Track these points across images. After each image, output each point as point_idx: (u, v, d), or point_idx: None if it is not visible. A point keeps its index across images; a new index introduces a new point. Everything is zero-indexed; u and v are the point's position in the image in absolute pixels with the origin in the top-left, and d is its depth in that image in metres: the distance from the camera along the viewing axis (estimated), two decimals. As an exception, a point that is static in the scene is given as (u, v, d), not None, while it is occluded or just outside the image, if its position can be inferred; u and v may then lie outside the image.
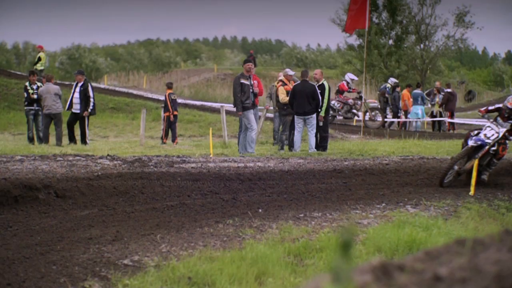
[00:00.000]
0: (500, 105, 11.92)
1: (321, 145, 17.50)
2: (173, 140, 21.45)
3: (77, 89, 19.65)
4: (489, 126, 11.54)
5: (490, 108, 12.04)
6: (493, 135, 11.38)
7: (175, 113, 21.73)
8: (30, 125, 20.06)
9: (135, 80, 49.75)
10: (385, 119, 28.30)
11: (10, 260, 6.78)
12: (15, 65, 65.15)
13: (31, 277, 6.23)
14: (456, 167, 11.34)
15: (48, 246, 7.42)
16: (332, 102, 25.76)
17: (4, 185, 10.12)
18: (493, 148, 11.40)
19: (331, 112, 24.69)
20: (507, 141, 11.65)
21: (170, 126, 21.64)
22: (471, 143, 11.34)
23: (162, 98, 24.63)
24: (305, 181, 12.25)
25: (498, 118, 11.75)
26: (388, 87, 29.04)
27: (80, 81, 19.76)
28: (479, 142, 11.31)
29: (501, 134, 11.37)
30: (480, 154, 11.34)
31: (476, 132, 11.61)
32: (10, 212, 9.55)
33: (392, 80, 29.71)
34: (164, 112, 21.87)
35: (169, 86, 22.46)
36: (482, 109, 12.14)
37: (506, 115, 11.75)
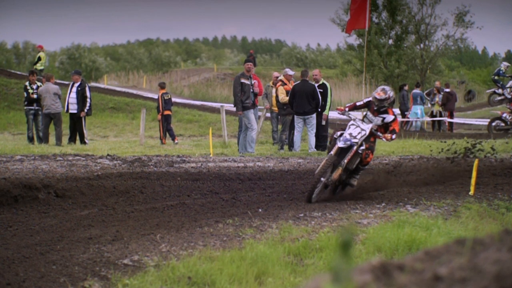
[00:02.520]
0: (370, 99, 10.89)
1: (320, 144, 17.51)
2: (173, 139, 21.42)
3: (74, 89, 19.65)
4: (353, 125, 10.52)
5: (359, 103, 11.03)
6: (359, 133, 10.42)
7: (166, 112, 21.57)
8: (30, 125, 20.05)
9: (135, 80, 49.72)
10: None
11: (10, 259, 6.78)
12: (15, 65, 65.10)
13: (31, 277, 6.23)
14: (323, 179, 10.32)
15: (48, 246, 7.42)
16: (503, 114, 25.43)
17: (4, 185, 10.11)
18: (362, 148, 10.41)
19: (501, 124, 24.16)
20: (373, 146, 10.67)
21: (167, 127, 21.58)
22: (340, 144, 10.34)
23: (162, 98, 24.55)
24: (305, 181, 12.25)
25: (369, 113, 10.76)
26: (501, 70, 29.21)
27: (77, 81, 19.76)
28: (348, 143, 10.33)
29: (368, 131, 10.40)
30: (347, 158, 10.33)
31: (339, 133, 10.61)
32: (10, 212, 9.55)
33: (505, 64, 29.75)
34: (158, 113, 21.84)
35: (162, 86, 22.35)
36: (348, 105, 11.08)
37: (375, 108, 10.72)
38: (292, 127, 17.72)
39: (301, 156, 15.71)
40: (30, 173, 11.53)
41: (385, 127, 10.64)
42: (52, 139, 19.51)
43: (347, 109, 10.80)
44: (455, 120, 29.31)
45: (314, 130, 17.23)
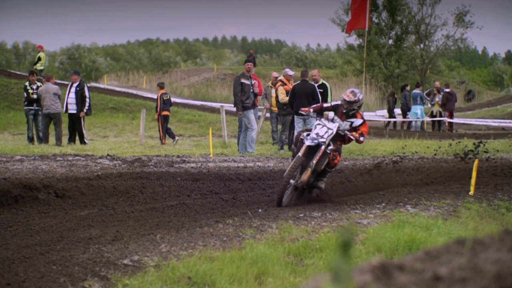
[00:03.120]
0: (338, 102, 10.60)
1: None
2: (173, 138, 21.41)
3: (72, 90, 19.65)
4: (319, 124, 10.24)
5: (326, 105, 10.80)
6: (326, 132, 10.14)
7: (164, 113, 21.54)
8: (30, 125, 20.05)
9: (134, 80, 49.74)
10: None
11: (10, 260, 6.78)
12: (15, 65, 65.11)
13: (31, 277, 6.23)
14: (292, 181, 10.01)
15: (48, 246, 7.42)
16: None
17: (4, 185, 10.12)
18: (331, 147, 10.13)
19: None
20: (340, 149, 10.44)
21: (162, 126, 21.55)
22: (307, 142, 10.02)
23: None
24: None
25: (336, 118, 10.47)
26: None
27: (75, 81, 19.77)
28: (316, 141, 10.02)
29: (335, 130, 10.12)
30: (316, 159, 10.05)
31: (305, 134, 10.28)
32: (10, 212, 9.55)
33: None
34: (156, 113, 21.84)
35: (162, 86, 22.30)
36: (313, 106, 10.78)
37: (344, 111, 10.44)
38: (292, 127, 17.73)
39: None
40: (30, 173, 11.53)
41: (353, 131, 10.41)
42: (52, 139, 19.51)
43: (311, 110, 10.56)
44: (455, 120, 29.32)
45: (314, 130, 17.24)
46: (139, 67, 61.30)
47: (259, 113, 19.67)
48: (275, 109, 18.71)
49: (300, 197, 10.53)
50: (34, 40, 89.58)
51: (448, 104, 28.12)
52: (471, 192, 10.72)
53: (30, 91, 19.87)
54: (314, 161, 10.03)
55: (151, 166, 13.36)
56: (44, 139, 19.46)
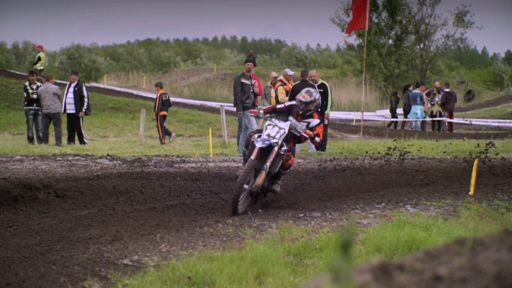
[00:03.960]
0: (292, 102, 10.20)
1: (321, 143, 17.51)
2: (169, 135, 21.40)
3: (71, 90, 19.68)
4: (270, 125, 9.72)
5: (279, 107, 10.30)
6: (277, 132, 9.63)
7: (162, 113, 21.53)
8: (29, 125, 20.05)
9: (134, 80, 49.76)
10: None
11: (9, 260, 6.78)
12: (15, 65, 65.13)
13: (30, 277, 6.23)
14: (246, 186, 9.47)
15: (48, 246, 7.43)
16: None
17: (4, 185, 10.12)
18: (284, 148, 9.68)
19: None
20: (294, 149, 10.09)
21: (161, 126, 21.54)
22: (258, 144, 9.52)
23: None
24: (305, 181, 12.25)
25: (291, 118, 10.03)
26: None
27: (74, 81, 19.79)
28: (267, 142, 9.52)
29: (287, 129, 9.65)
30: (269, 161, 9.57)
31: (256, 135, 9.73)
32: (10, 212, 9.56)
33: None
34: (154, 113, 21.81)
35: (161, 86, 22.29)
36: (264, 108, 10.29)
37: (300, 112, 10.02)
38: (292, 127, 17.73)
39: (301, 156, 15.71)
40: (30, 173, 11.53)
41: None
42: (52, 139, 19.52)
43: (261, 111, 10.09)
44: (454, 120, 29.32)
45: (314, 130, 17.24)
46: (139, 67, 61.32)
47: (259, 113, 19.63)
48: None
49: (255, 202, 9.99)
50: (34, 40, 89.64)
51: (448, 104, 28.12)
52: (471, 192, 10.72)
53: (30, 91, 19.87)
54: (268, 164, 9.56)
55: (151, 166, 13.36)
56: (44, 139, 19.46)
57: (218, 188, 11.66)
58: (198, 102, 33.95)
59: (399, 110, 30.32)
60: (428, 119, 28.89)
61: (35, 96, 19.75)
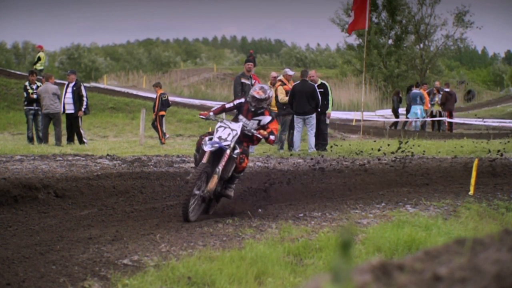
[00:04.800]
0: (241, 100, 9.76)
1: (322, 143, 17.54)
2: (163, 136, 21.40)
3: (69, 90, 19.70)
4: (221, 126, 9.24)
5: (228, 105, 9.77)
6: (229, 134, 9.17)
7: (161, 113, 21.52)
8: (29, 125, 20.05)
9: (134, 80, 49.76)
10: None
11: (9, 260, 6.78)
12: (15, 65, 65.12)
13: (30, 277, 6.23)
14: (197, 192, 8.92)
15: (48, 246, 7.43)
16: None
17: (4, 185, 10.12)
18: (237, 151, 9.22)
19: None
20: (247, 150, 9.61)
21: (160, 126, 21.52)
22: (207, 148, 9.03)
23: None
24: (305, 181, 12.25)
25: (241, 117, 9.59)
26: None
27: (72, 81, 19.82)
28: (216, 145, 9.03)
29: (239, 131, 9.18)
30: (222, 164, 9.09)
31: (208, 138, 9.24)
32: (9, 212, 9.56)
33: None
34: (153, 113, 21.77)
35: (160, 86, 22.28)
36: (214, 108, 9.82)
37: (252, 109, 9.54)
38: (292, 127, 17.74)
39: (301, 156, 15.71)
40: (30, 173, 11.53)
41: (261, 130, 9.56)
42: (51, 139, 19.52)
43: (211, 113, 9.54)
44: (454, 120, 29.31)
45: (314, 130, 17.26)
46: (139, 67, 61.31)
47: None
48: (274, 108, 18.72)
49: (207, 208, 9.57)
50: (34, 40, 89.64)
51: (447, 104, 28.11)
52: (471, 192, 10.72)
53: (30, 91, 19.87)
54: (220, 167, 9.07)
55: (151, 166, 13.36)
56: (43, 139, 19.45)
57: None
58: (198, 102, 33.96)
59: (402, 110, 30.30)
60: (428, 119, 28.88)
61: (35, 96, 19.75)
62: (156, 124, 21.59)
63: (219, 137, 9.14)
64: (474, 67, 72.75)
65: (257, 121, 9.57)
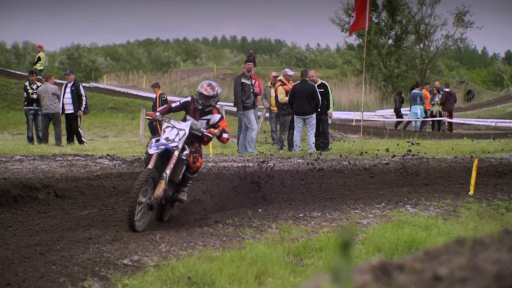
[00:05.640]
0: (188, 99, 9.27)
1: (322, 142, 17.55)
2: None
3: (68, 90, 19.74)
4: (168, 127, 8.73)
5: (174, 105, 9.25)
6: (177, 135, 8.66)
7: None
8: (29, 125, 20.06)
9: (134, 80, 49.76)
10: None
11: (9, 260, 6.79)
12: (15, 65, 65.13)
13: (30, 277, 6.23)
14: (144, 199, 8.30)
15: (48, 246, 7.43)
16: None
17: (4, 185, 10.12)
18: (186, 152, 8.70)
19: None
20: (200, 149, 9.11)
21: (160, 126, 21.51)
22: (152, 151, 8.48)
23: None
24: (305, 181, 12.25)
25: (189, 117, 9.08)
26: None
27: (71, 81, 19.86)
28: (162, 147, 8.48)
29: (187, 130, 8.68)
30: (169, 168, 8.51)
31: (154, 140, 8.74)
32: (9, 212, 9.56)
33: None
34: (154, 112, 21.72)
35: (159, 86, 22.30)
36: (160, 109, 9.32)
37: (200, 107, 9.03)
38: (291, 127, 17.75)
39: (301, 156, 15.71)
40: (30, 173, 11.53)
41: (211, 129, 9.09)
42: (51, 139, 19.52)
43: (158, 113, 9.07)
44: (454, 120, 29.31)
45: (314, 130, 17.27)
46: (138, 67, 61.31)
47: (259, 113, 19.69)
48: (274, 108, 18.73)
49: (160, 215, 9.09)
50: (34, 40, 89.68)
51: (447, 104, 28.10)
52: (471, 192, 10.72)
53: (30, 91, 19.88)
54: (168, 171, 8.48)
55: (151, 166, 13.35)
56: (43, 139, 19.46)
57: (218, 188, 11.65)
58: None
59: (404, 110, 30.29)
60: (428, 119, 28.88)
61: (35, 96, 19.76)
62: (156, 124, 21.58)
63: (166, 138, 8.61)
64: (474, 67, 72.76)
65: (205, 121, 9.06)
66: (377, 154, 15.87)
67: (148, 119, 9.00)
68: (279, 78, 18.63)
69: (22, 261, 6.75)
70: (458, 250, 2.40)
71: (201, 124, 9.00)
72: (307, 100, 17.02)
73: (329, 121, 18.15)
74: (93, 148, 17.87)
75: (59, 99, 19.51)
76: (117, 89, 38.75)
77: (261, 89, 17.81)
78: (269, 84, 19.42)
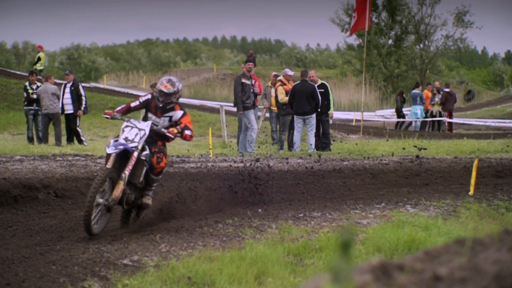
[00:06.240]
0: (148, 97, 8.91)
1: (323, 142, 17.55)
2: None
3: (67, 90, 19.77)
4: (127, 126, 8.38)
5: (134, 104, 8.83)
6: (137, 134, 8.31)
7: None
8: (29, 125, 20.06)
9: (134, 80, 49.76)
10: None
11: (9, 260, 6.79)
12: (15, 65, 65.14)
13: (30, 277, 6.23)
14: (101, 200, 7.99)
15: (48, 246, 7.43)
16: None
17: (4, 185, 10.12)
18: (146, 153, 8.36)
19: None
20: (164, 149, 8.73)
21: None
22: (109, 150, 8.14)
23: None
24: (305, 181, 12.25)
25: (150, 115, 8.71)
26: None
27: (70, 81, 19.89)
28: (121, 147, 8.14)
29: (147, 130, 8.35)
30: (128, 169, 8.16)
31: (113, 140, 8.37)
32: (10, 212, 9.56)
33: None
34: None
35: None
36: (119, 108, 8.87)
37: (160, 105, 8.69)
38: (291, 127, 17.75)
39: (300, 156, 15.71)
40: (30, 173, 11.53)
41: (174, 127, 8.70)
42: (51, 139, 19.53)
43: (115, 113, 8.66)
44: (454, 120, 29.31)
45: (314, 130, 17.27)
46: (138, 67, 61.32)
47: (259, 113, 19.70)
48: (274, 108, 18.73)
49: (125, 220, 8.77)
50: (34, 40, 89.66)
51: (447, 104, 28.10)
52: (471, 192, 10.72)
53: (30, 91, 19.88)
54: (126, 172, 8.14)
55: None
56: (43, 139, 19.46)
57: (218, 188, 11.65)
58: (197, 102, 33.95)
59: (405, 111, 30.27)
60: (428, 119, 28.88)
61: (35, 96, 19.76)
62: None
63: (125, 138, 8.26)
64: (474, 67, 72.73)
65: (168, 118, 8.70)
66: (382, 154, 15.86)
67: (106, 117, 8.62)
68: (279, 78, 18.64)
69: (22, 261, 6.75)
70: (458, 250, 2.40)
71: (163, 122, 8.67)
72: (307, 100, 17.02)
73: (330, 122, 18.19)
74: (93, 148, 17.87)
75: (58, 99, 19.51)
76: (117, 89, 38.75)
77: (261, 89, 17.82)
78: (269, 84, 19.42)
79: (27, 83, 20.23)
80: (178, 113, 8.74)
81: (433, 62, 47.19)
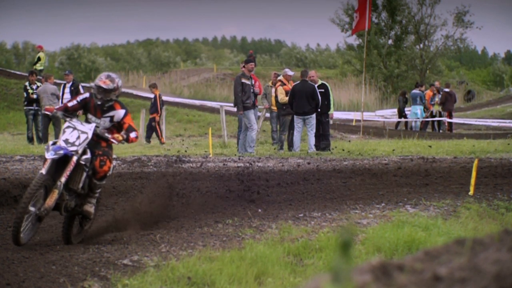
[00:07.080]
0: (86, 95, 8.20)
1: (323, 143, 17.55)
2: (148, 139, 21.40)
3: (67, 90, 19.81)
4: (69, 127, 7.79)
5: (72, 104, 8.15)
6: (78, 137, 7.70)
7: (155, 114, 21.54)
8: (29, 125, 20.07)
9: (134, 80, 49.75)
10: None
11: (9, 260, 6.79)
12: (15, 65, 65.11)
13: (30, 277, 6.23)
14: (33, 209, 7.38)
15: (48, 246, 7.43)
16: None
17: (4, 185, 10.12)
18: (86, 157, 7.72)
19: None
20: (108, 151, 8.08)
21: (159, 126, 21.49)
22: (48, 155, 7.51)
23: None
24: (305, 181, 12.25)
25: (90, 116, 8.06)
26: None
27: (69, 81, 19.95)
28: (61, 152, 7.52)
29: (90, 134, 7.74)
30: (65, 175, 7.54)
31: (51, 142, 7.83)
32: (10, 212, 9.55)
33: None
34: (152, 113, 21.69)
35: (157, 86, 22.32)
36: (57, 107, 8.43)
37: (99, 103, 8.05)
38: (291, 127, 17.75)
39: (300, 156, 15.71)
40: (30, 173, 11.53)
41: (117, 128, 8.12)
42: (51, 139, 19.54)
43: (55, 110, 8.20)
44: (454, 120, 29.30)
45: (314, 130, 17.27)
46: (138, 67, 61.29)
47: (259, 113, 19.70)
48: (274, 108, 18.74)
49: (68, 233, 7.96)
50: (34, 40, 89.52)
51: (447, 104, 28.09)
52: (471, 192, 10.72)
53: (30, 91, 19.89)
54: (63, 179, 7.52)
55: (151, 166, 13.36)
56: (43, 139, 19.47)
57: (218, 188, 11.65)
58: (198, 102, 33.94)
59: (406, 111, 30.24)
60: (428, 119, 28.87)
61: (35, 96, 19.77)
62: (155, 124, 21.57)
63: (66, 140, 7.67)
64: (474, 67, 72.70)
65: (109, 118, 8.07)
66: (383, 154, 15.85)
67: (46, 114, 8.00)
68: (279, 78, 18.64)
69: (22, 261, 6.75)
70: (458, 250, 2.40)
71: (104, 123, 8.04)
72: (307, 100, 17.02)
73: (330, 122, 18.19)
74: (93, 148, 17.86)
75: (58, 99, 19.52)
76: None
77: (261, 89, 17.83)
78: (269, 83, 19.42)
79: (27, 83, 20.24)
80: (120, 113, 8.10)
81: (433, 62, 47.19)
